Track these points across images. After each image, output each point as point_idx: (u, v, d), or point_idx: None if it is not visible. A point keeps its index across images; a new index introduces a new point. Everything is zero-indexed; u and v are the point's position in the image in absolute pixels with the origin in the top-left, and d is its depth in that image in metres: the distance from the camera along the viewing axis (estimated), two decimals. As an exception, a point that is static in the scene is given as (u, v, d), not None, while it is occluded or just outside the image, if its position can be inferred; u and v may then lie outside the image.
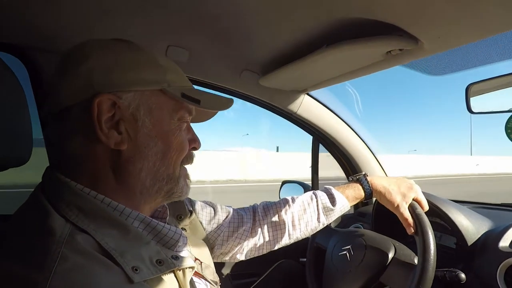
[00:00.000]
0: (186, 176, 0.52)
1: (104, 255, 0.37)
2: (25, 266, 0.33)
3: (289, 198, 0.79)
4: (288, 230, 0.76)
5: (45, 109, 0.45)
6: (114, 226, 0.41)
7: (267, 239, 0.75)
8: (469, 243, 0.83)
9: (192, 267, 0.47)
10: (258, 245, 0.75)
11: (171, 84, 0.46)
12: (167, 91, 0.46)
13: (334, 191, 0.79)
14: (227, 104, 0.53)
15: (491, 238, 0.81)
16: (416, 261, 0.74)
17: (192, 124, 0.55)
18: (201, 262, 0.59)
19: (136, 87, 0.44)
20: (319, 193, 0.79)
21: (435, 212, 0.88)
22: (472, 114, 0.76)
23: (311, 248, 1.02)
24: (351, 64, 0.82)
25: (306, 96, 1.12)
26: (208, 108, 0.50)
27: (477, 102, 0.76)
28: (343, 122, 1.20)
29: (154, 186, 0.46)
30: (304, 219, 0.76)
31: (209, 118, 0.60)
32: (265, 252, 0.76)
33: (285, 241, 0.76)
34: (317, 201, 0.78)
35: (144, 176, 0.45)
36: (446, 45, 0.66)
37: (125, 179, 0.44)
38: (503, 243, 0.78)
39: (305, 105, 1.13)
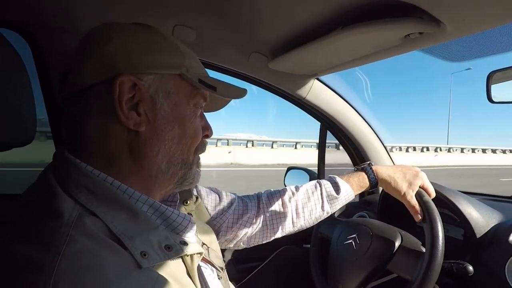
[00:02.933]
0: (198, 164, 0.53)
1: (113, 239, 0.37)
2: (33, 248, 0.33)
3: (293, 186, 0.80)
4: (292, 218, 0.76)
5: (65, 88, 0.45)
6: (124, 210, 0.40)
7: (271, 226, 0.75)
8: (478, 235, 0.82)
9: (200, 253, 0.47)
10: (262, 233, 0.75)
11: (189, 69, 0.47)
12: (185, 76, 0.46)
13: (339, 179, 0.79)
14: (242, 93, 0.54)
15: (501, 231, 0.80)
16: (423, 249, 0.74)
17: None
18: (208, 247, 0.60)
19: (156, 69, 0.44)
20: (324, 181, 0.80)
21: (444, 203, 0.86)
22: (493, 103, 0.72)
23: (315, 238, 1.02)
24: (366, 48, 0.78)
25: (316, 81, 1.09)
26: (223, 96, 0.51)
27: (498, 91, 0.73)
28: (353, 109, 1.17)
29: (169, 170, 0.47)
30: (308, 207, 0.77)
31: (221, 108, 0.60)
32: (269, 240, 0.77)
33: (289, 229, 0.77)
34: (321, 189, 0.78)
35: (160, 159, 0.46)
36: (471, 28, 0.62)
37: (141, 161, 0.45)
38: (514, 236, 0.77)
39: (314, 91, 1.10)
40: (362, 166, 0.81)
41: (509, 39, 0.68)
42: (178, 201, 0.58)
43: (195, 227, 0.49)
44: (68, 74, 0.45)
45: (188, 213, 0.60)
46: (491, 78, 0.72)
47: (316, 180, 0.81)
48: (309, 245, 1.06)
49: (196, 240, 0.54)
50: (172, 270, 0.41)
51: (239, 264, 1.23)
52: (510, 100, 0.72)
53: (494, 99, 0.73)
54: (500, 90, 0.72)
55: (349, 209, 1.21)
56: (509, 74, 0.71)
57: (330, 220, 0.96)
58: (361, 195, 1.29)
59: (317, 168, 1.41)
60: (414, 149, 18.57)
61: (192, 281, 0.44)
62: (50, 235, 0.34)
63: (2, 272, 0.32)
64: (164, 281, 0.38)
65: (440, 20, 0.61)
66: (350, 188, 0.79)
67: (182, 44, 0.50)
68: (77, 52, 0.45)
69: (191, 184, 0.51)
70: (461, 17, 0.59)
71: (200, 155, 0.54)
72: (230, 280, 0.64)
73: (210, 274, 0.55)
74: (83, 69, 0.43)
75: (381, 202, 1.05)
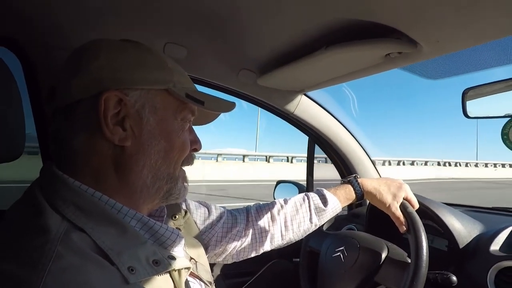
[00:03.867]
0: (184, 178, 0.53)
1: (100, 254, 0.37)
2: (19, 264, 0.33)
3: (282, 199, 0.81)
4: (281, 231, 0.77)
5: (52, 104, 0.45)
6: (112, 225, 0.40)
7: (260, 239, 0.75)
8: (461, 246, 0.84)
9: (188, 268, 0.47)
10: (251, 246, 0.75)
11: (176, 84, 0.47)
12: (172, 91, 0.47)
13: (326, 192, 0.80)
14: (230, 107, 0.54)
15: (482, 241, 0.82)
16: (408, 260, 0.75)
17: None
18: (196, 262, 0.59)
19: (143, 85, 0.45)
20: (311, 194, 0.81)
21: (428, 215, 0.89)
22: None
23: (305, 252, 1.02)
24: (350, 66, 0.82)
25: (304, 96, 1.12)
26: (211, 110, 0.52)
27: (473, 107, 0.77)
28: (339, 123, 1.21)
29: (155, 185, 0.47)
30: (296, 219, 0.78)
31: (210, 121, 0.61)
32: (258, 253, 0.77)
33: (278, 242, 0.77)
34: (309, 202, 0.79)
35: (145, 174, 0.46)
36: (444, 49, 0.67)
37: (126, 176, 0.45)
38: (494, 246, 0.79)
39: (302, 106, 1.13)
40: (348, 179, 0.83)
41: (481, 59, 0.73)
42: (166, 215, 0.57)
43: (183, 242, 0.49)
44: (55, 90, 0.45)
45: (177, 228, 0.60)
46: (466, 94, 0.77)
47: (304, 193, 0.82)
48: (298, 259, 1.06)
49: (184, 254, 0.53)
50: (160, 285, 0.41)
51: (229, 279, 1.21)
52: (484, 115, 0.76)
53: (470, 115, 0.77)
54: (475, 106, 0.76)
55: (338, 221, 1.22)
56: (482, 91, 0.75)
57: (319, 233, 0.97)
58: (350, 207, 1.30)
59: (305, 182, 1.43)
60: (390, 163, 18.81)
61: None
62: (36, 252, 0.33)
63: None
64: None
65: (416, 41, 0.65)
66: (337, 201, 0.80)
67: (171, 60, 0.50)
68: (65, 68, 0.46)
69: (177, 199, 0.51)
70: (435, 38, 0.63)
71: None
72: None
73: None
74: (70, 85, 0.43)
75: (369, 214, 1.07)
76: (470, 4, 0.51)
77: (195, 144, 0.53)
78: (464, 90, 0.77)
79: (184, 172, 0.53)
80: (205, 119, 0.59)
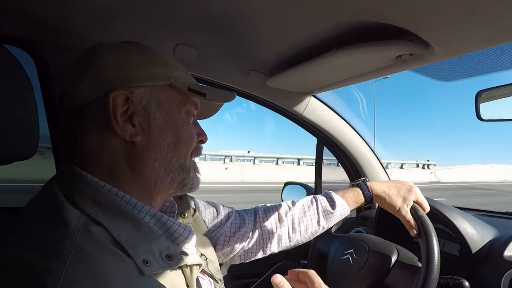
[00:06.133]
0: (196, 168, 0.55)
1: (117, 247, 0.38)
2: (41, 255, 0.34)
3: (289, 201, 0.81)
4: (289, 233, 0.77)
5: (63, 107, 0.47)
6: (127, 219, 0.42)
7: (267, 241, 0.76)
8: (473, 251, 0.83)
9: (200, 265, 0.47)
10: (258, 247, 0.76)
11: (178, 79, 0.49)
12: (174, 85, 0.49)
13: (334, 195, 0.80)
14: (230, 97, 0.56)
15: (496, 247, 0.81)
16: (419, 264, 0.74)
17: None
18: (206, 258, 0.60)
19: (147, 82, 0.47)
20: (319, 197, 0.81)
21: (439, 219, 0.87)
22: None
23: (313, 254, 1.02)
24: (360, 67, 0.81)
25: (313, 98, 1.12)
26: (213, 100, 0.53)
27: (486, 110, 0.75)
28: (348, 125, 1.20)
29: (168, 176, 0.49)
30: (304, 222, 0.78)
31: (213, 114, 0.62)
32: (265, 254, 0.77)
33: (285, 243, 0.77)
34: (317, 204, 0.79)
35: (158, 167, 0.47)
36: (457, 50, 0.66)
37: (140, 170, 0.46)
38: (508, 252, 0.78)
39: (311, 107, 1.12)
40: (357, 182, 0.83)
41: (495, 60, 0.72)
42: (177, 211, 0.59)
43: (194, 238, 0.50)
44: (65, 94, 0.47)
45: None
46: (479, 97, 0.75)
47: (312, 196, 0.82)
48: (306, 261, 1.06)
49: (195, 251, 0.54)
50: (172, 279, 0.42)
51: (236, 280, 1.21)
52: (498, 118, 0.75)
53: (483, 117, 0.76)
54: (488, 109, 0.75)
55: (346, 224, 1.21)
56: (496, 94, 0.74)
57: (327, 235, 0.96)
58: (358, 210, 1.29)
59: (314, 183, 1.42)
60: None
61: None
62: (58, 243, 0.35)
63: (9, 281, 0.33)
64: None
65: (429, 43, 0.65)
66: (346, 204, 0.79)
67: (171, 57, 0.52)
68: (72, 72, 0.48)
69: (191, 188, 0.53)
70: (448, 40, 0.63)
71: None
72: None
73: (208, 286, 0.55)
74: (78, 88, 0.45)
75: (378, 218, 1.06)
76: (484, 5, 0.51)
77: (201, 136, 0.55)
78: (478, 93, 0.75)
79: (194, 163, 0.55)
80: (209, 112, 0.61)
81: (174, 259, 0.42)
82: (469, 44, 0.63)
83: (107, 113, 0.44)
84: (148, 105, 0.46)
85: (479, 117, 0.76)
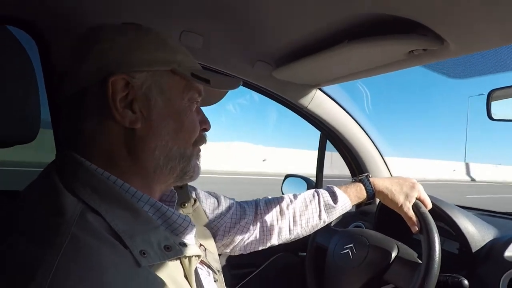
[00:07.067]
0: (198, 156, 0.53)
1: (114, 236, 0.37)
2: (36, 244, 0.33)
3: (291, 194, 0.81)
4: (289, 226, 0.77)
5: (62, 91, 0.46)
6: (126, 208, 0.41)
7: (268, 233, 0.76)
8: (474, 250, 0.83)
9: (199, 256, 0.47)
10: (259, 239, 0.76)
11: (181, 64, 0.47)
12: (177, 71, 0.47)
13: (337, 189, 0.80)
14: (235, 84, 0.54)
15: (496, 246, 0.81)
16: (419, 260, 0.75)
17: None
18: (206, 249, 0.60)
19: (148, 67, 0.45)
20: (321, 191, 0.81)
21: (440, 216, 0.87)
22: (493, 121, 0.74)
23: (312, 247, 1.02)
24: (370, 61, 0.80)
25: (318, 91, 1.10)
26: (217, 87, 0.51)
27: (498, 109, 0.74)
28: (353, 120, 1.18)
29: (168, 165, 0.47)
30: (305, 215, 0.78)
31: (217, 101, 0.60)
32: (265, 246, 0.78)
33: (286, 236, 0.77)
34: (319, 198, 0.79)
35: (158, 155, 0.46)
36: (473, 47, 0.64)
37: (139, 158, 0.45)
38: (509, 252, 0.78)
39: (316, 100, 1.11)
40: (360, 178, 0.82)
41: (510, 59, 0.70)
42: (176, 201, 0.58)
43: (194, 230, 0.50)
44: (64, 76, 0.46)
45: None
46: (492, 96, 0.74)
47: (314, 189, 0.82)
48: (305, 253, 1.06)
49: (195, 242, 0.54)
50: (170, 271, 0.41)
51: (234, 269, 1.22)
52: (510, 118, 0.74)
53: (494, 117, 0.75)
54: (500, 108, 0.74)
55: (346, 218, 1.21)
56: (509, 93, 0.73)
57: (327, 229, 0.96)
58: (358, 205, 1.29)
59: (315, 177, 1.42)
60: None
61: (189, 283, 0.44)
62: (53, 231, 0.34)
63: (3, 267, 0.32)
64: (161, 281, 0.39)
65: (444, 38, 0.63)
66: (348, 199, 0.80)
67: (173, 40, 0.50)
68: (71, 55, 0.46)
69: (192, 177, 0.51)
70: (464, 36, 0.61)
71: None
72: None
73: (206, 277, 0.55)
74: (77, 71, 0.43)
75: (378, 213, 1.06)
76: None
77: (205, 124, 0.53)
78: (490, 91, 0.74)
79: (199, 150, 0.53)
80: (213, 99, 0.59)
81: (172, 250, 0.42)
82: (487, 40, 0.61)
83: (106, 99, 0.42)
84: (149, 91, 0.45)
85: (490, 116, 0.75)
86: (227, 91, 0.56)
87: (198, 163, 0.53)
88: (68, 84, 0.44)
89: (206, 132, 0.54)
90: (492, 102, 0.73)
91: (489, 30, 0.57)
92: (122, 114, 0.43)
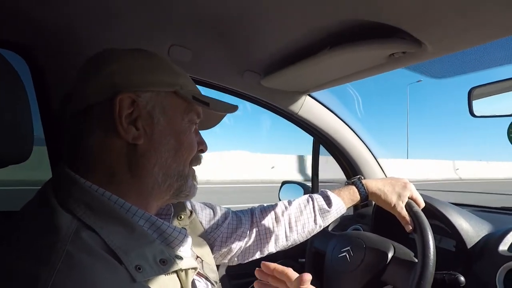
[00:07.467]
0: (194, 177, 0.55)
1: (109, 253, 0.38)
2: (30, 262, 0.34)
3: (286, 201, 0.81)
4: (286, 232, 0.77)
5: (68, 108, 0.48)
6: (120, 224, 0.42)
7: (264, 241, 0.76)
8: (469, 246, 0.84)
9: (195, 268, 0.47)
10: (256, 247, 0.76)
11: (183, 87, 0.51)
12: (180, 93, 0.50)
13: (330, 193, 0.81)
14: (233, 109, 0.57)
15: (491, 241, 0.82)
16: (415, 259, 0.75)
17: None
18: (202, 261, 0.60)
19: (153, 87, 0.48)
20: (315, 195, 0.81)
21: (435, 215, 0.88)
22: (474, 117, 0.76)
23: (310, 252, 1.03)
24: (354, 66, 0.82)
25: (308, 97, 1.12)
26: (216, 110, 0.55)
27: (479, 106, 0.76)
28: (344, 124, 1.20)
29: (166, 182, 0.49)
30: (301, 221, 0.78)
31: (215, 125, 0.63)
32: (263, 254, 0.77)
33: (283, 243, 0.78)
34: (313, 203, 0.80)
35: (157, 171, 0.48)
36: (450, 48, 0.67)
37: (139, 173, 0.47)
38: (503, 246, 0.79)
39: (306, 106, 1.13)
40: (352, 180, 0.83)
41: (488, 57, 0.72)
42: (172, 213, 0.59)
43: (190, 241, 0.50)
44: (71, 95, 0.48)
45: (182, 228, 0.61)
46: (472, 94, 0.76)
47: (308, 195, 0.82)
48: (304, 260, 1.06)
49: (191, 254, 0.54)
50: (166, 284, 0.42)
51: (233, 280, 1.22)
52: (490, 114, 0.76)
53: (476, 114, 0.77)
54: (481, 105, 0.76)
55: (344, 222, 1.22)
56: (488, 90, 0.75)
57: (324, 234, 0.96)
58: (355, 208, 1.30)
59: (311, 182, 1.42)
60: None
61: None
62: (47, 250, 0.35)
63: None
64: None
65: (421, 41, 0.65)
66: (342, 202, 0.80)
67: (176, 65, 0.54)
68: (81, 74, 0.49)
69: (188, 196, 0.53)
70: (440, 38, 0.63)
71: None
72: None
73: None
74: (86, 89, 0.46)
75: (374, 215, 1.07)
76: (475, 4, 0.51)
77: (202, 145, 0.56)
78: (470, 89, 0.76)
79: (193, 170, 0.55)
80: (211, 123, 0.62)
81: (168, 264, 0.42)
82: (461, 42, 0.64)
83: (112, 115, 0.45)
84: (152, 110, 0.47)
85: (472, 113, 0.77)
86: (224, 116, 0.60)
87: (195, 183, 0.55)
88: (76, 102, 0.47)
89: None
90: (473, 100, 0.75)
91: (463, 31, 0.60)
92: (126, 130, 0.45)
